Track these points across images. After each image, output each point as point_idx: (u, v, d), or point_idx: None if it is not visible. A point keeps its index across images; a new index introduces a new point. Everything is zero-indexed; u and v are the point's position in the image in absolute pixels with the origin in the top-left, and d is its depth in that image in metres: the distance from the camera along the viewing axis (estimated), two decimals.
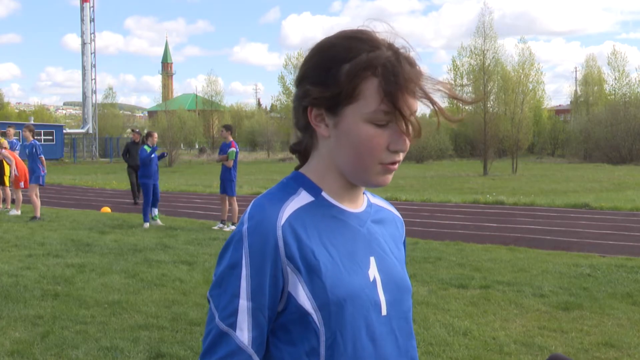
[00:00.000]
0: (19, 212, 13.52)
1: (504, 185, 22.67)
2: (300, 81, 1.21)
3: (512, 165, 32.32)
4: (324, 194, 1.22)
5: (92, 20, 55.61)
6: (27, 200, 14.46)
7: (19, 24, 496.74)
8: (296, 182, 1.23)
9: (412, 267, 7.77)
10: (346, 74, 1.13)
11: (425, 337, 5.07)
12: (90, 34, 55.40)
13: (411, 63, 1.15)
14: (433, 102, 1.15)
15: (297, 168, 1.29)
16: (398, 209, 1.43)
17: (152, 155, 11.87)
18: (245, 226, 1.14)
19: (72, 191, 21.00)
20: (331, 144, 1.19)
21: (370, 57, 1.13)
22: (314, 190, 1.22)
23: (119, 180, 25.77)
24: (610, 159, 42.04)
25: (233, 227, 11.55)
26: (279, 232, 1.13)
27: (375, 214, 1.30)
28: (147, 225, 11.63)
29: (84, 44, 55.15)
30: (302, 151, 1.27)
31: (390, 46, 1.16)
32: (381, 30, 1.19)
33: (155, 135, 12.30)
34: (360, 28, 1.19)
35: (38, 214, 12.61)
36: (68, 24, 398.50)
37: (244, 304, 1.11)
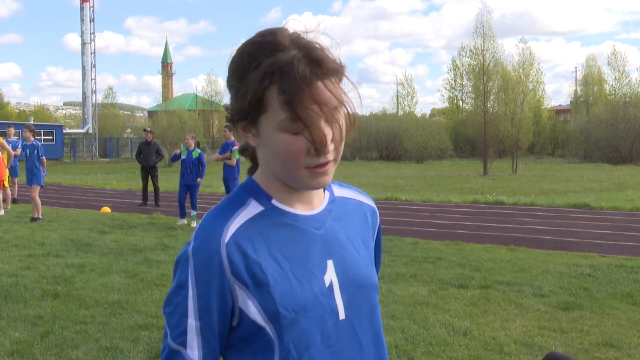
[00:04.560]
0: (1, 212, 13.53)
1: (504, 185, 22.67)
2: (226, 87, 1.19)
3: (512, 165, 32.31)
4: (274, 201, 1.19)
5: (92, 20, 55.59)
6: (28, 201, 14.46)
7: (20, 24, 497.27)
8: (246, 192, 1.21)
9: (412, 267, 7.77)
10: (249, 85, 1.10)
11: (425, 337, 5.07)
12: (90, 34, 55.38)
13: (316, 59, 1.08)
14: (339, 100, 1.10)
15: (249, 170, 1.27)
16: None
17: (183, 158, 12.24)
18: (191, 246, 1.14)
19: (72, 191, 20.99)
20: (262, 152, 1.18)
21: (268, 64, 1.08)
22: (264, 198, 1.20)
23: (119, 180, 25.77)
24: (610, 159, 42.00)
25: None
26: (223, 251, 1.12)
27: (337, 209, 1.26)
28: (182, 221, 12.18)
29: (83, 44, 55.12)
30: (251, 155, 1.27)
31: (299, 45, 1.10)
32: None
33: (188, 137, 12.51)
34: (273, 28, 1.13)
35: (40, 215, 12.60)
36: (69, 24, 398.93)
37: (192, 323, 1.13)
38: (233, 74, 1.15)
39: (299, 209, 1.21)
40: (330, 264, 1.19)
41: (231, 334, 1.17)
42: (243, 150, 1.28)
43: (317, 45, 1.10)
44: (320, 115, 1.09)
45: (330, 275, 1.19)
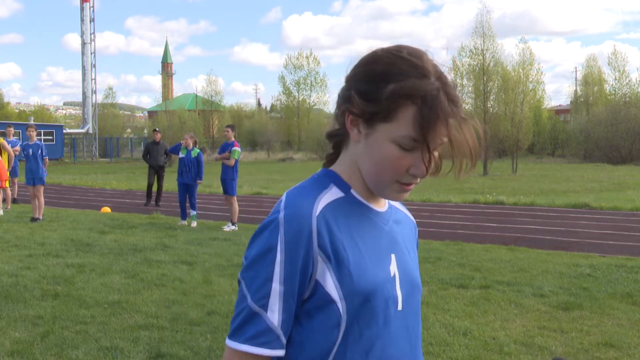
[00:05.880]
0: (0, 212, 13.51)
1: (504, 185, 22.66)
2: (348, 81, 1.25)
3: (512, 165, 32.30)
4: (352, 191, 1.28)
5: (92, 20, 55.61)
6: (28, 201, 14.47)
7: (20, 24, 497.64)
8: (327, 177, 1.30)
9: None
10: (388, 95, 1.17)
11: (425, 337, 5.07)
12: (90, 34, 55.40)
13: (452, 99, 1.18)
14: (472, 144, 1.20)
15: (327, 156, 1.35)
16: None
17: (182, 156, 12.30)
18: (282, 214, 1.20)
19: (72, 191, 20.99)
20: (359, 149, 1.25)
21: (415, 85, 1.16)
22: (344, 187, 1.28)
23: (119, 180, 25.78)
24: (610, 159, 41.96)
25: (233, 227, 11.54)
26: (314, 222, 1.19)
27: (395, 214, 1.38)
28: (183, 222, 12.21)
29: (84, 44, 55.14)
30: (336, 142, 1.33)
31: (440, 77, 1.19)
32: (438, 58, 1.22)
33: (187, 137, 12.47)
34: (417, 49, 1.22)
35: (40, 216, 12.59)
36: (69, 24, 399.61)
37: (276, 287, 1.17)
38: (370, 75, 1.20)
39: (372, 204, 1.31)
40: (393, 257, 1.29)
41: (300, 306, 1.21)
42: (331, 136, 1.33)
43: (453, 84, 1.21)
44: (439, 146, 1.20)
45: (394, 268, 1.28)
